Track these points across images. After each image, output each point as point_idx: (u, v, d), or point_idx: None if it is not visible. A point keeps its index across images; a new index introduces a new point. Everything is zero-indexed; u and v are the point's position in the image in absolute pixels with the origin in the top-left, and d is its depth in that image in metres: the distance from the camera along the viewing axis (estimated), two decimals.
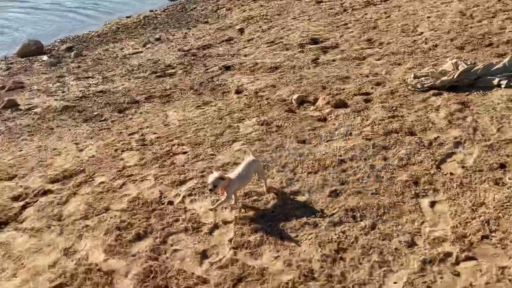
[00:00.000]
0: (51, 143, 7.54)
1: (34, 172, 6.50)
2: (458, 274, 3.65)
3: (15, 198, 5.83)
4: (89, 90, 10.87)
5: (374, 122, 6.35)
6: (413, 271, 3.72)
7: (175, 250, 4.37)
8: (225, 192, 4.67)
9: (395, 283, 3.64)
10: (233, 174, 4.80)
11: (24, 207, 5.57)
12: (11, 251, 4.72)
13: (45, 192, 5.82)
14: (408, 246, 4.01)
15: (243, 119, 7.30)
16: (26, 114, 9.59)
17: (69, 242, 4.72)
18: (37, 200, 5.69)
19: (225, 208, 4.91)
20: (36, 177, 6.30)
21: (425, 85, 7.21)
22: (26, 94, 11.39)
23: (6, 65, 14.92)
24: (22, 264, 4.50)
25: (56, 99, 10.44)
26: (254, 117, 7.27)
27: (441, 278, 3.62)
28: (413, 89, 7.26)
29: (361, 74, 8.39)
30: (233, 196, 4.84)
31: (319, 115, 6.94)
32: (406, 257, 3.89)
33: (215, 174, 4.56)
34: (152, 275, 4.06)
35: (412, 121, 6.21)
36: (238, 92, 8.68)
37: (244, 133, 6.76)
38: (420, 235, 4.14)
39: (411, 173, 5.07)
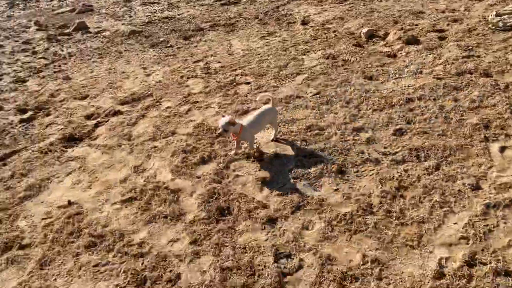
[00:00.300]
0: (120, 67, 7.80)
1: (104, 93, 6.81)
2: None
3: (88, 117, 6.18)
4: (155, 16, 10.98)
5: (447, 61, 6.03)
6: (475, 214, 3.67)
7: (237, 176, 4.54)
8: (240, 139, 4.66)
9: (455, 223, 3.62)
10: (245, 120, 4.73)
11: (96, 126, 5.91)
12: (86, 165, 5.09)
13: (116, 113, 6.13)
14: (472, 189, 3.93)
15: (308, 52, 7.16)
16: (95, 37, 9.89)
17: (139, 160, 5.01)
18: (108, 120, 6.01)
19: (284, 140, 4.97)
20: (107, 98, 6.61)
21: (508, 24, 6.68)
22: (95, 17, 11.68)
23: None
24: (96, 177, 4.85)
25: (123, 23, 10.65)
26: (319, 50, 7.11)
27: (505, 223, 3.56)
28: (493, 27, 6.76)
29: (437, 10, 7.87)
30: (255, 140, 4.83)
31: (388, 51, 6.67)
32: (469, 200, 3.82)
33: (226, 118, 4.44)
34: (215, 197, 4.26)
35: (489, 62, 5.84)
36: (304, 23, 8.45)
37: (308, 66, 6.66)
38: (486, 180, 4.03)
39: (482, 116, 4.85)
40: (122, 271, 3.57)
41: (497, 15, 6.92)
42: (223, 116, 4.50)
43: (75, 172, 4.98)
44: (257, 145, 4.90)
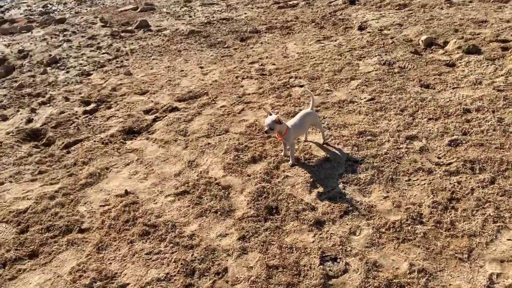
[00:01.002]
0: (178, 65, 8.08)
1: (163, 90, 7.09)
2: None
3: (147, 111, 6.47)
4: (213, 17, 11.26)
5: (510, 72, 5.83)
6: None
7: (287, 176, 4.62)
8: (285, 140, 4.68)
9: (509, 239, 3.53)
10: (289, 122, 4.73)
11: (154, 120, 6.18)
12: (143, 158, 5.34)
13: (173, 109, 6.37)
14: None
15: (364, 57, 7.13)
16: (156, 35, 10.28)
17: (193, 156, 5.20)
18: (166, 115, 6.26)
19: (337, 144, 5.00)
20: (165, 95, 6.88)
21: None
22: (156, 16, 12.12)
23: None
24: (152, 169, 5.08)
25: (183, 23, 10.99)
26: (376, 55, 7.06)
27: None
28: None
29: (501, 19, 7.60)
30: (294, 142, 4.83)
31: (447, 60, 6.53)
32: None
33: (273, 117, 4.44)
34: (264, 195, 4.37)
35: None
36: (361, 28, 8.41)
37: (363, 71, 6.64)
38: None
39: None
40: (172, 260, 3.74)
41: None
42: (270, 114, 4.57)
43: (133, 163, 5.24)
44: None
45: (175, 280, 3.55)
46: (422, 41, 7.21)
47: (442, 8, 8.63)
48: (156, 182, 4.83)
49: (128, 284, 3.56)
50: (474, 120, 5.06)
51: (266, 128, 4.52)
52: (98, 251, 3.94)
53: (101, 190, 4.82)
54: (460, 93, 5.62)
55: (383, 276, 3.36)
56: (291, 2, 11.17)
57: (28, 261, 3.92)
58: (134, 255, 3.84)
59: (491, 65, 6.14)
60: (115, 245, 3.98)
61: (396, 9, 9.09)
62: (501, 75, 5.83)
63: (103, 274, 3.66)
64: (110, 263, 3.79)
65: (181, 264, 3.69)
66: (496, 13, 7.89)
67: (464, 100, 5.44)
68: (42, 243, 4.10)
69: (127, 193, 4.68)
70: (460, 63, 6.38)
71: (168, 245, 3.91)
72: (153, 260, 3.77)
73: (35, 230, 4.26)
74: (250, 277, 3.49)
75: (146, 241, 3.99)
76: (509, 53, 6.38)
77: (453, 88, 5.77)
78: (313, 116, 4.94)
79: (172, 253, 3.82)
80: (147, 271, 3.67)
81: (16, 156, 5.64)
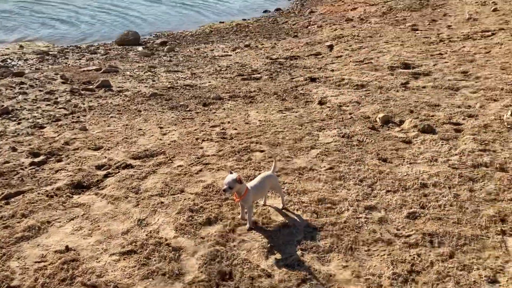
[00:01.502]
0: (137, 124, 7.90)
1: (118, 146, 6.83)
2: None
3: (99, 167, 6.15)
4: (177, 83, 11.32)
5: (463, 152, 6.02)
6: None
7: (243, 241, 4.38)
8: (243, 202, 4.50)
9: None
10: (249, 184, 4.57)
11: (106, 176, 5.86)
12: (89, 213, 4.97)
13: (127, 166, 6.10)
14: (489, 281, 3.73)
15: (323, 129, 7.23)
16: (117, 95, 10.15)
17: (143, 214, 4.89)
18: (119, 172, 5.97)
19: (297, 210, 4.86)
20: (120, 152, 6.62)
21: None
22: (119, 78, 12.07)
23: (104, 51, 15.99)
24: (98, 226, 4.71)
25: (146, 86, 10.97)
26: (335, 128, 7.18)
27: None
28: (509, 126, 6.82)
29: (452, 104, 8.02)
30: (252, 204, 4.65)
31: (403, 137, 6.71)
32: None
33: (233, 176, 4.29)
34: (218, 259, 4.09)
35: (505, 158, 5.82)
36: (321, 103, 8.63)
37: (323, 142, 6.69)
38: (503, 274, 3.83)
39: (498, 210, 4.73)
40: None
41: None
42: (231, 173, 4.39)
43: (78, 218, 4.85)
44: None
45: None
46: (379, 118, 7.43)
47: (397, 91, 9.04)
48: (101, 240, 4.45)
49: None
50: (431, 194, 5.09)
51: (224, 187, 4.32)
52: None
53: (38, 245, 4.38)
54: (417, 168, 5.71)
55: None
56: (254, 75, 11.45)
57: None
58: None
59: (445, 144, 6.34)
60: None
61: (354, 89, 9.45)
62: (455, 154, 6.00)
63: None
64: None
65: None
66: (448, 99, 8.33)
67: (421, 175, 5.51)
68: None
69: (67, 249, 4.28)
70: (416, 140, 6.56)
71: None
72: None
73: None
74: None
75: None
76: (461, 135, 6.64)
77: (410, 163, 5.86)
78: (274, 179, 4.82)
79: None
80: None
81: None
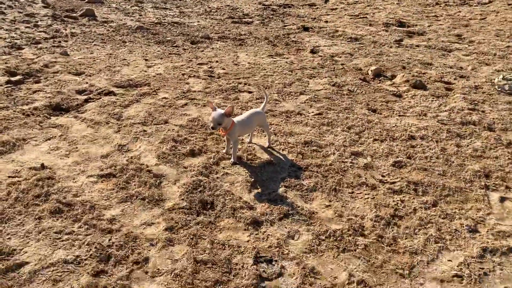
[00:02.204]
0: (121, 54, 7.58)
1: (101, 74, 6.55)
2: None
3: (79, 92, 5.90)
4: (165, 19, 10.88)
5: (453, 109, 5.97)
6: (471, 255, 3.45)
7: (227, 174, 4.27)
8: (229, 136, 4.35)
9: (449, 260, 3.40)
10: (236, 118, 4.42)
11: (86, 101, 5.62)
12: (68, 135, 4.77)
13: (109, 93, 5.86)
14: (470, 231, 3.74)
15: (314, 77, 7.06)
16: (101, 25, 9.70)
17: (125, 140, 4.71)
18: (100, 98, 5.73)
19: (282, 150, 4.76)
20: (103, 79, 6.34)
21: None
22: (104, 9, 11.54)
23: None
24: (76, 148, 4.53)
25: (132, 20, 10.52)
26: (325, 77, 7.02)
27: (501, 270, 3.34)
28: (499, 89, 6.78)
29: (445, 64, 7.92)
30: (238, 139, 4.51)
31: (394, 91, 6.61)
32: (465, 240, 3.62)
33: (221, 111, 4.12)
34: (200, 189, 3.98)
35: (493, 118, 5.79)
36: (313, 52, 8.42)
37: (313, 88, 6.54)
38: (484, 225, 3.84)
39: (484, 165, 4.72)
40: (86, 243, 3.22)
41: (504, 78, 6.97)
42: (214, 110, 4.14)
43: (55, 139, 4.65)
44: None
45: (85, 264, 3.04)
46: (371, 71, 7.29)
47: (391, 47, 8.88)
48: (79, 161, 4.28)
49: (27, 263, 2.99)
50: (418, 146, 5.04)
51: (212, 124, 4.11)
52: None
53: (12, 160, 4.19)
54: (406, 121, 5.64)
55: (320, 283, 3.08)
56: (245, 19, 11.07)
57: None
58: (40, 233, 3.28)
59: (435, 100, 6.27)
60: (19, 220, 3.39)
61: (347, 41, 9.24)
62: (445, 111, 5.95)
63: None
64: (10, 238, 3.20)
65: (95, 248, 3.18)
66: (441, 59, 8.22)
67: (410, 128, 5.44)
68: None
69: (43, 167, 4.10)
70: (406, 95, 6.47)
71: (83, 226, 3.39)
72: (62, 240, 3.23)
73: None
74: (174, 270, 3.06)
75: (57, 219, 3.44)
76: (452, 93, 6.57)
77: (399, 116, 5.78)
78: (262, 117, 4.67)
79: (87, 235, 3.31)
80: (53, 251, 3.12)
81: None
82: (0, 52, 7.12)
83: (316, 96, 6.25)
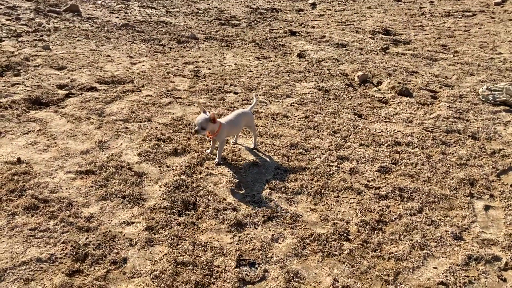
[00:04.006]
0: (105, 50, 7.42)
1: (83, 69, 6.39)
2: (504, 280, 3.33)
3: (61, 86, 5.73)
4: (151, 18, 10.75)
5: (438, 117, 5.97)
6: (455, 263, 3.42)
7: (210, 174, 4.17)
8: (216, 137, 4.27)
9: (434, 267, 3.35)
10: (223, 119, 4.34)
11: (67, 96, 5.46)
12: (46, 129, 4.61)
13: (91, 89, 5.71)
14: (455, 238, 3.70)
15: (300, 80, 7.01)
16: (86, 21, 9.53)
17: (106, 137, 4.58)
18: (82, 93, 5.57)
19: (268, 152, 4.68)
20: (85, 74, 6.19)
21: (497, 99, 6.76)
22: (89, 5, 11.36)
23: None
24: (55, 143, 4.37)
25: (117, 17, 10.36)
26: (312, 81, 6.98)
27: (486, 278, 3.31)
28: (483, 99, 6.83)
29: (430, 73, 7.96)
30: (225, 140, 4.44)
31: (380, 97, 6.60)
32: (450, 248, 3.58)
33: (206, 115, 4.03)
34: (182, 189, 3.87)
35: (477, 127, 5.81)
36: (300, 56, 8.38)
37: (299, 92, 6.49)
38: (469, 232, 3.81)
39: (468, 174, 4.71)
40: (61, 241, 3.09)
41: (487, 89, 7.02)
42: (204, 112, 4.09)
43: (33, 133, 4.49)
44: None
45: (60, 263, 2.91)
46: (357, 76, 7.28)
47: (377, 54, 8.90)
48: (57, 156, 4.13)
49: None
50: (404, 152, 5.02)
51: (196, 127, 4.04)
52: None
53: None
54: (392, 127, 5.62)
55: None
56: (233, 22, 11.00)
57: None
58: (13, 229, 3.13)
59: (421, 108, 6.27)
60: None
61: (334, 47, 9.24)
62: (430, 118, 5.95)
63: None
64: None
65: (72, 246, 3.05)
66: (426, 68, 8.26)
67: (395, 134, 5.42)
68: None
69: (19, 161, 3.94)
70: (392, 101, 6.46)
71: (59, 223, 3.25)
72: (36, 238, 3.09)
73: None
74: (153, 271, 2.95)
75: (32, 215, 3.30)
76: (437, 102, 6.59)
77: (385, 122, 5.76)
78: (250, 117, 4.58)
79: (63, 233, 3.17)
80: (26, 248, 2.98)
81: None
82: None
83: (302, 100, 6.20)
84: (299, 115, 5.69)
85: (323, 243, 3.46)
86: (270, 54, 8.36)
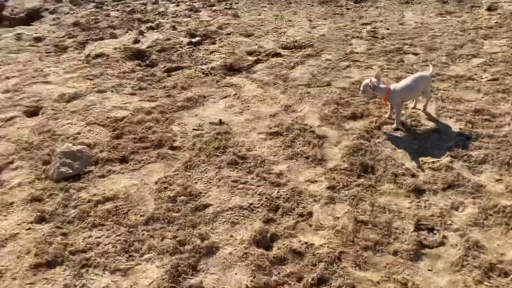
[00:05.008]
0: (287, 15, 7.85)
1: (268, 35, 6.91)
2: None
3: (250, 53, 6.34)
4: None
5: None
6: None
7: (389, 138, 4.29)
8: (390, 102, 4.43)
9: None
10: (399, 84, 4.40)
11: (256, 62, 6.04)
12: (240, 94, 5.23)
13: (276, 54, 6.19)
14: None
15: (490, 37, 6.45)
16: None
17: (290, 101, 5.01)
18: (268, 59, 6.09)
19: (450, 117, 4.55)
20: (270, 40, 6.70)
21: None
22: None
23: None
24: (248, 106, 4.96)
25: None
26: (505, 38, 6.36)
27: None
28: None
29: None
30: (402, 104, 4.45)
31: None
32: None
33: (367, 80, 4.32)
34: (361, 152, 4.08)
35: None
36: (490, 9, 7.62)
37: (488, 51, 6.00)
38: None
39: None
40: (258, 193, 3.62)
41: None
42: (377, 78, 4.33)
43: (230, 97, 5.15)
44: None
45: (257, 211, 3.43)
46: None
47: None
48: (250, 119, 4.71)
49: (211, 205, 3.49)
50: None
51: (360, 90, 4.47)
52: (186, 169, 3.91)
53: (196, 115, 4.79)
54: None
55: (485, 258, 3.00)
56: None
57: (119, 165, 3.99)
58: (220, 180, 3.77)
59: None
60: (203, 167, 3.93)
61: None
62: None
63: (188, 191, 3.62)
64: (196, 183, 3.75)
65: (266, 198, 3.55)
66: None
67: None
68: (133, 151, 4.15)
69: (221, 122, 4.61)
70: None
71: (255, 178, 3.79)
72: (238, 188, 3.67)
73: (129, 139, 4.33)
74: (336, 226, 3.28)
75: (234, 169, 3.90)
76: None
77: None
78: (428, 82, 4.50)
79: (258, 186, 3.70)
80: (231, 197, 3.58)
81: (120, 70, 5.78)
82: (182, 15, 7.95)
83: (491, 59, 5.74)
84: (486, 77, 5.33)
85: (508, 215, 3.35)
86: (454, 9, 7.79)
